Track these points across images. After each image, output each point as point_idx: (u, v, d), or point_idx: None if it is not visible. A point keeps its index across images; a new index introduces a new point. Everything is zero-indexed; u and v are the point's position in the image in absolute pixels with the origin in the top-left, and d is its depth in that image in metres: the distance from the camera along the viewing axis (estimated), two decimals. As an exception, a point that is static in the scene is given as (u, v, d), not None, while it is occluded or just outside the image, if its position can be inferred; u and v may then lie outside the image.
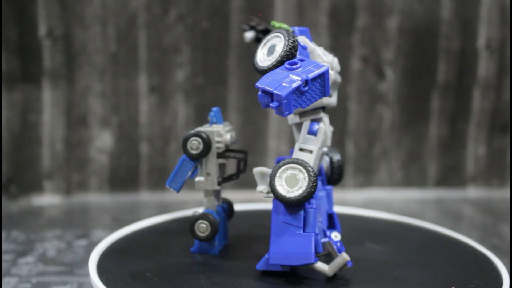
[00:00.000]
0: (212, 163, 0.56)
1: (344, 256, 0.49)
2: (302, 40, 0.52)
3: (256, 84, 0.46)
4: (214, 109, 0.58)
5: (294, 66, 0.47)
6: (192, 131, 0.55)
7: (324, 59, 0.52)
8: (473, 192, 1.16)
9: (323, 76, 0.47)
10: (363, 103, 1.12)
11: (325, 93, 0.48)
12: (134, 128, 1.08)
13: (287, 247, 0.49)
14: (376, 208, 0.88)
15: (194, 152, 0.55)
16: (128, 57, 1.06)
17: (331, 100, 0.55)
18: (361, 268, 0.55)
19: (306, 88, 0.46)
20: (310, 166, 0.49)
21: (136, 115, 1.07)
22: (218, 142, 0.56)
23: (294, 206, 0.49)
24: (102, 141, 1.07)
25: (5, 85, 1.03)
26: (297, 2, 1.08)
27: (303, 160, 0.49)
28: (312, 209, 0.49)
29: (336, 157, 0.59)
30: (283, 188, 0.49)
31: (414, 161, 1.15)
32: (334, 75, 0.53)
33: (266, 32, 0.58)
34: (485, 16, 1.12)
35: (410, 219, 0.72)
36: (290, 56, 0.50)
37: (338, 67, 0.55)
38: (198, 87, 1.08)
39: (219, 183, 0.57)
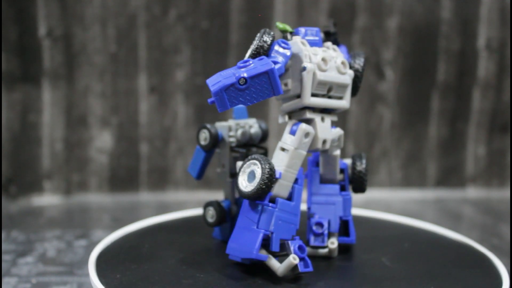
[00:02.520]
0: (225, 156, 0.59)
1: (291, 259, 0.49)
2: (295, 40, 0.53)
3: (206, 80, 0.49)
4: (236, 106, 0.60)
5: (246, 64, 0.49)
6: (205, 124, 0.59)
7: (313, 60, 0.52)
8: (473, 192, 1.16)
9: (267, 75, 0.48)
10: (363, 103, 1.12)
11: (274, 91, 0.49)
12: (134, 128, 1.08)
13: (239, 240, 0.51)
14: (376, 208, 0.88)
15: (202, 143, 0.59)
16: (128, 57, 1.06)
17: (338, 102, 0.54)
18: (354, 266, 0.55)
19: (244, 86, 0.47)
20: (267, 164, 0.50)
21: (136, 115, 1.07)
22: (230, 136, 0.59)
23: (253, 201, 0.50)
24: (102, 141, 1.07)
25: (5, 85, 1.03)
26: (297, 2, 1.08)
27: (264, 157, 0.50)
28: (269, 207, 0.50)
29: (358, 163, 0.58)
30: (244, 182, 0.51)
31: (414, 161, 1.15)
32: (323, 76, 0.52)
33: (327, 34, 0.58)
34: (485, 16, 1.12)
35: (410, 219, 0.72)
36: (256, 55, 0.51)
37: (343, 69, 0.53)
38: (198, 87, 1.08)
39: (232, 176, 0.60)
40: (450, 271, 0.55)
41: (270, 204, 0.50)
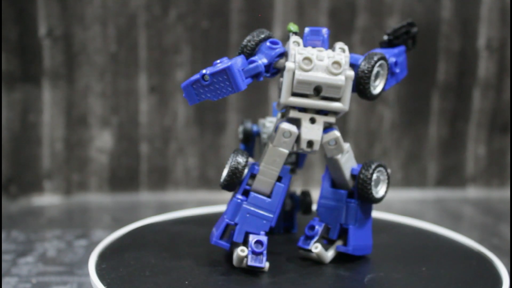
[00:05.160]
0: (261, 150, 0.62)
1: (238, 251, 0.52)
2: (292, 40, 0.53)
3: None
4: (274, 103, 0.62)
5: (218, 61, 0.52)
6: (244, 119, 0.64)
7: (296, 59, 0.51)
8: (473, 192, 1.16)
9: (225, 72, 0.51)
10: (363, 103, 1.12)
11: (233, 88, 0.51)
12: (134, 128, 1.08)
13: (216, 227, 0.55)
14: (375, 208, 0.88)
15: (240, 136, 0.64)
16: (128, 57, 1.06)
17: (329, 104, 0.52)
18: (354, 266, 0.55)
19: (208, 82, 0.50)
20: (235, 158, 0.52)
21: (136, 115, 1.07)
22: (263, 132, 0.62)
23: (228, 191, 0.54)
24: (102, 141, 1.07)
25: (5, 85, 1.03)
26: (297, 2, 1.08)
27: (238, 152, 0.53)
28: (237, 200, 0.53)
29: (363, 171, 0.55)
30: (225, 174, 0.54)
31: (414, 161, 1.15)
32: (303, 76, 0.51)
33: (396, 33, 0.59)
34: (485, 16, 1.12)
35: (410, 219, 0.72)
36: (241, 53, 0.53)
37: (334, 69, 0.51)
38: (198, 87, 1.08)
39: None
40: (450, 271, 0.55)
41: (237, 196, 0.53)
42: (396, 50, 0.59)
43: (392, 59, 0.57)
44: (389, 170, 0.57)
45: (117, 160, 1.08)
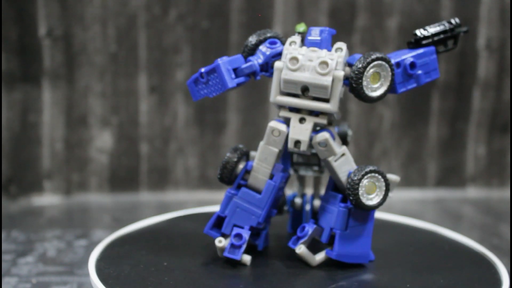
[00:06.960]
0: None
1: (216, 242, 0.54)
2: (290, 40, 0.54)
3: None
4: None
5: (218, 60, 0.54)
6: None
7: (288, 57, 0.52)
8: (473, 192, 1.16)
9: (215, 70, 0.53)
10: (363, 103, 1.12)
11: (222, 86, 0.53)
12: (134, 128, 1.08)
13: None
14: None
15: None
16: (128, 57, 1.06)
17: (316, 104, 0.52)
18: (339, 271, 0.54)
19: (204, 79, 0.53)
20: (230, 153, 0.56)
21: (136, 115, 1.07)
22: None
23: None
24: (102, 141, 1.07)
25: (5, 85, 1.03)
26: (297, 2, 1.08)
27: (233, 148, 0.56)
28: (230, 194, 0.55)
29: (352, 175, 0.53)
30: None
31: (414, 161, 1.15)
32: (288, 75, 0.52)
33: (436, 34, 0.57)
34: (485, 16, 1.12)
35: (410, 219, 0.72)
36: (242, 53, 0.55)
37: (321, 70, 0.51)
38: (198, 87, 1.08)
39: (295, 170, 0.63)
40: (450, 271, 0.55)
41: (229, 190, 0.55)
42: (420, 51, 0.56)
43: (408, 60, 0.55)
44: (395, 177, 0.56)
45: (117, 160, 1.08)
